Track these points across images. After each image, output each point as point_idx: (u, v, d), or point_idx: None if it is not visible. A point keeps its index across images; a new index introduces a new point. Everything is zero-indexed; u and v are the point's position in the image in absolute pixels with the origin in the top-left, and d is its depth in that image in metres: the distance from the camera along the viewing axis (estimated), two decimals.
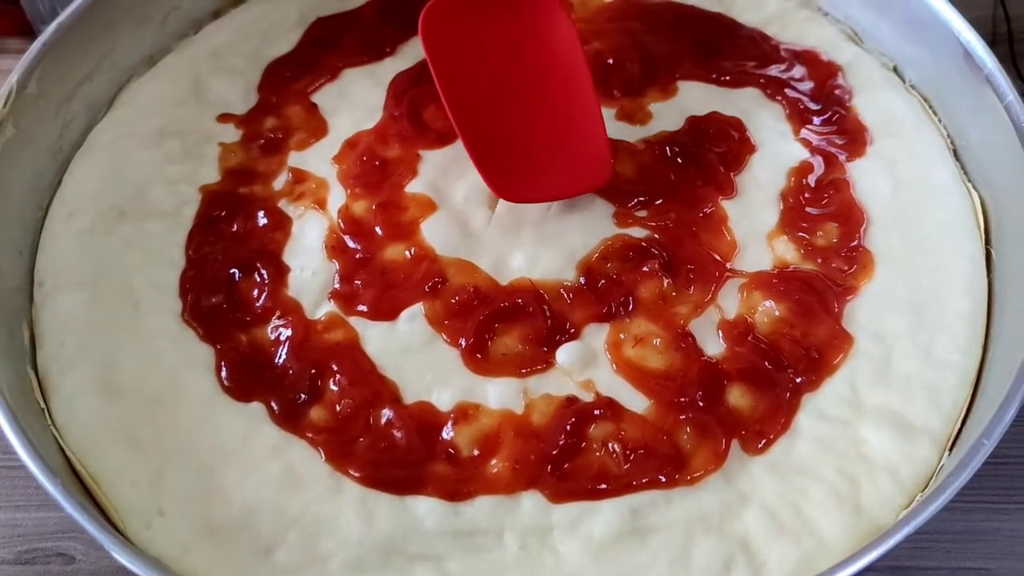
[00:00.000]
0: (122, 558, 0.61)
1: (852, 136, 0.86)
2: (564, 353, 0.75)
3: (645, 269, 0.78)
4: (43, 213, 0.83)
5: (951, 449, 0.70)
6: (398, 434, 0.71)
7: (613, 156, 0.81)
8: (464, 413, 0.72)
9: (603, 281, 0.78)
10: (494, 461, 0.70)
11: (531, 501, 0.69)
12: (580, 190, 0.80)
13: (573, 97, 0.82)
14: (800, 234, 0.81)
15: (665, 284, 0.78)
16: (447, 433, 0.71)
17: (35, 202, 0.83)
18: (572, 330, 0.76)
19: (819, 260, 0.80)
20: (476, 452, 0.70)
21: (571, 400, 0.73)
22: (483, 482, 0.69)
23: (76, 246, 0.80)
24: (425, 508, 0.69)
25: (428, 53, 0.80)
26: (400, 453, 0.71)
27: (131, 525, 0.67)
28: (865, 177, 0.84)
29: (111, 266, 0.80)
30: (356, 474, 0.70)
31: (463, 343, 0.75)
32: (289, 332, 0.76)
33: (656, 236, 0.80)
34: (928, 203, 0.82)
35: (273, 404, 0.73)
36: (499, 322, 0.76)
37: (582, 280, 0.78)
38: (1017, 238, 0.77)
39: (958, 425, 0.71)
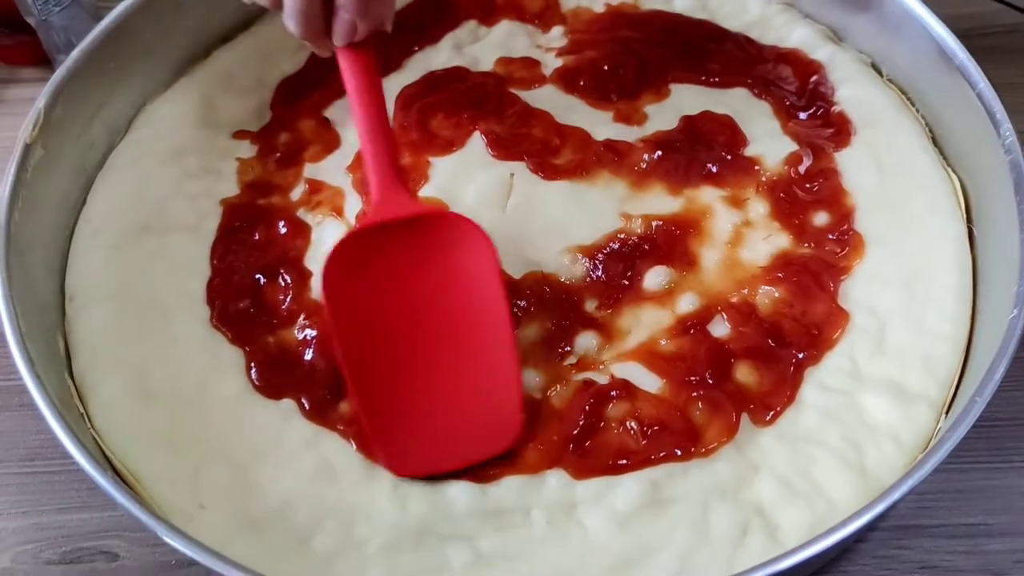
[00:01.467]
0: (174, 541, 0.63)
1: (837, 128, 0.91)
2: (581, 341, 0.78)
3: (648, 261, 0.82)
4: (70, 232, 0.87)
5: (947, 413, 0.74)
6: None
7: (524, 410, 0.73)
8: None
9: (611, 272, 0.82)
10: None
11: (556, 479, 0.72)
12: (481, 455, 0.72)
13: (488, 344, 0.73)
14: (793, 221, 0.85)
15: (670, 275, 0.81)
16: None
17: (62, 222, 0.86)
18: (586, 319, 0.80)
19: (812, 244, 0.84)
20: None
21: (588, 383, 0.76)
22: (509, 464, 0.73)
23: (103, 261, 0.83)
24: (456, 491, 0.72)
25: (329, 304, 0.72)
26: None
27: (173, 520, 0.70)
28: (852, 166, 0.88)
29: (139, 278, 0.83)
30: None
31: None
32: (315, 332, 0.79)
33: (655, 227, 0.84)
34: (912, 188, 0.86)
35: (303, 400, 0.76)
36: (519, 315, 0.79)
37: (591, 271, 0.82)
38: (995, 217, 0.81)
39: (953, 390, 0.75)
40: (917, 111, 0.92)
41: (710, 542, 0.69)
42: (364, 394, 0.72)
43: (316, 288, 0.82)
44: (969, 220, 0.84)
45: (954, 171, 0.87)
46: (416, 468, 0.71)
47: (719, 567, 0.68)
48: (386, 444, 0.71)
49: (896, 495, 0.64)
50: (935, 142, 0.90)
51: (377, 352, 0.72)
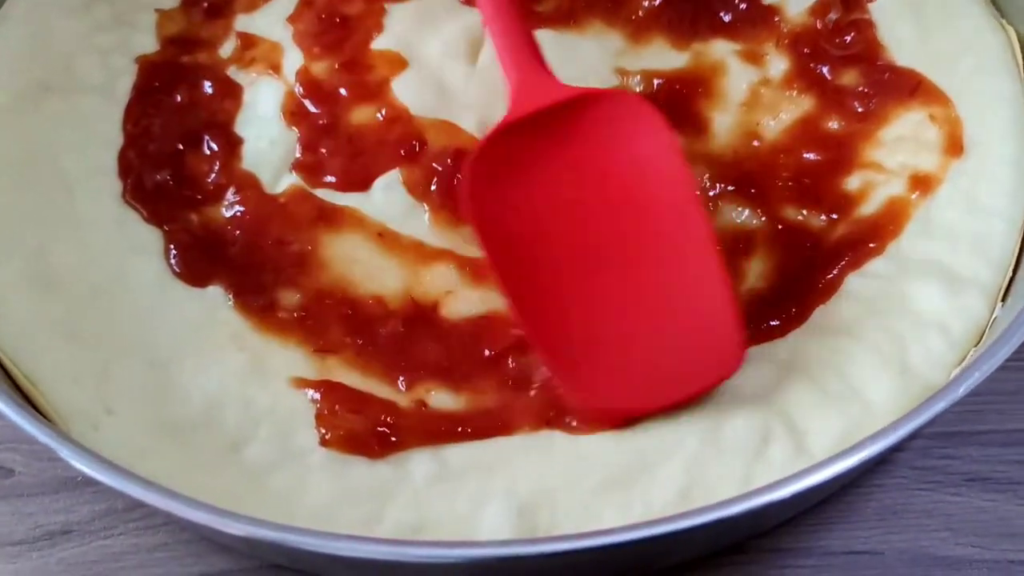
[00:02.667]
0: (73, 458, 0.52)
1: None
2: None
3: None
4: None
5: (1004, 300, 0.64)
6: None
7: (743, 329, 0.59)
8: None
9: None
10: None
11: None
12: (694, 389, 0.58)
13: (681, 251, 0.61)
14: (819, 81, 0.73)
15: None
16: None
17: None
18: None
19: (840, 108, 0.72)
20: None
21: None
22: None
23: None
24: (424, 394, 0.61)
25: (476, 224, 0.61)
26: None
27: (76, 427, 0.59)
28: (888, 17, 0.76)
29: (37, 147, 0.70)
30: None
31: None
32: (245, 208, 0.68)
33: (657, 85, 0.71)
34: (959, 42, 0.75)
35: (233, 287, 0.65)
36: None
37: None
38: None
39: (1009, 274, 0.65)
40: None
41: (724, 452, 0.58)
42: (538, 328, 0.58)
43: (248, 156, 0.70)
44: None
45: (1009, 22, 0.76)
46: (620, 411, 0.58)
47: (733, 482, 0.57)
48: (579, 388, 0.58)
49: (943, 402, 0.53)
50: None
51: (545, 274, 0.60)
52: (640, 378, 0.59)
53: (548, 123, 0.64)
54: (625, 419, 0.58)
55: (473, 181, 0.61)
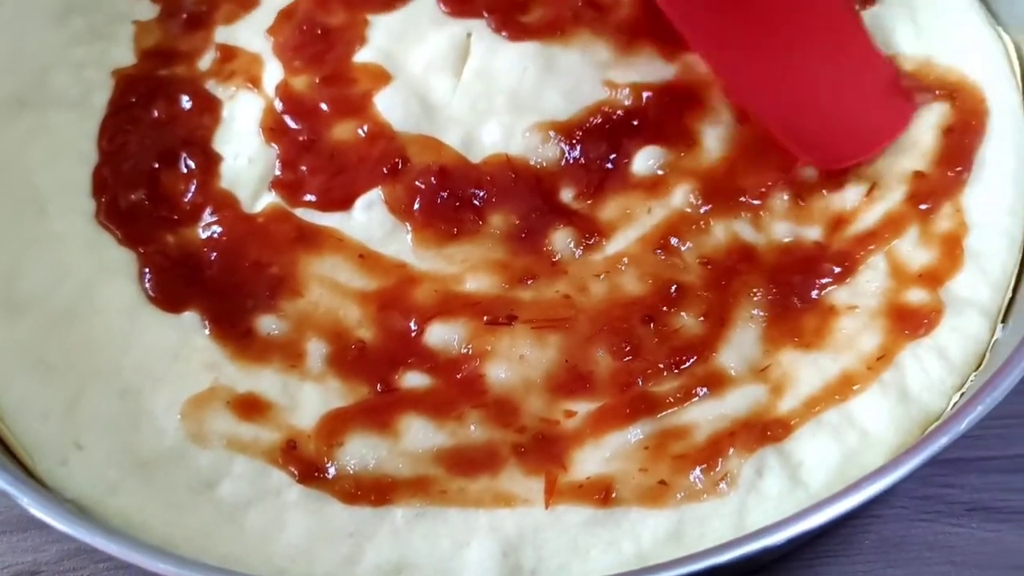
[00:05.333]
0: (33, 507, 0.50)
1: None
2: (557, 239, 0.65)
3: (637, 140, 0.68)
4: None
5: (1004, 322, 0.61)
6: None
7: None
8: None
9: (592, 153, 0.67)
10: (476, 363, 0.60)
11: (532, 409, 0.59)
12: (883, 141, 0.68)
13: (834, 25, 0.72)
14: None
15: (663, 156, 0.67)
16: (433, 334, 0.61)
17: None
18: (562, 211, 0.66)
19: None
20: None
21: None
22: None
23: None
24: (404, 426, 0.58)
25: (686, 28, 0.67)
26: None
27: (43, 462, 0.58)
28: (883, 25, 0.74)
29: (10, 164, 0.69)
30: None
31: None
32: (223, 229, 0.65)
33: (646, 98, 0.69)
34: (954, 52, 0.72)
35: (209, 313, 0.63)
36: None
37: (568, 152, 0.67)
38: None
39: (1008, 294, 0.63)
40: None
41: (715, 485, 0.55)
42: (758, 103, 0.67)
43: (226, 174, 0.68)
44: None
45: (1005, 30, 0.73)
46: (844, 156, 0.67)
47: (726, 516, 0.55)
48: (806, 150, 0.66)
49: (948, 436, 0.51)
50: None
51: (745, 50, 0.69)
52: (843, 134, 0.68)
53: None
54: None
55: None
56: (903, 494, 0.62)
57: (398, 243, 0.65)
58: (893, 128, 0.68)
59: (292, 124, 0.69)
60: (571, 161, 0.67)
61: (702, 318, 0.62)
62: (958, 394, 0.59)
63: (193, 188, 0.67)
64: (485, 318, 0.61)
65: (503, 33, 0.71)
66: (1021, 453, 0.64)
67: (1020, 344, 0.55)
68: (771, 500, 0.55)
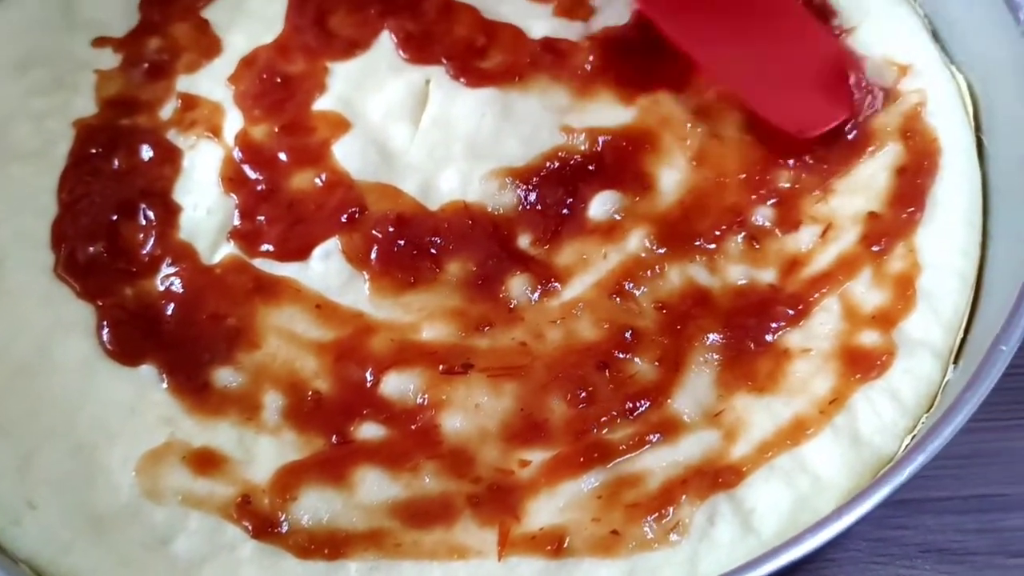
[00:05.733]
0: None
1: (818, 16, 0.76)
2: (514, 285, 0.65)
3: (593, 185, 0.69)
4: None
5: (955, 362, 0.62)
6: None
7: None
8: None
9: (549, 199, 0.68)
10: (432, 413, 0.60)
11: (488, 460, 0.60)
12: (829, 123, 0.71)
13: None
14: (772, 132, 0.71)
15: (619, 201, 0.68)
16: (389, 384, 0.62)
17: None
18: (519, 257, 0.67)
19: (794, 159, 0.70)
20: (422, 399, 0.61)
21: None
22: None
23: None
24: (359, 478, 0.59)
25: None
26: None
27: None
28: None
29: None
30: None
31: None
32: (181, 281, 0.66)
33: (602, 144, 0.70)
34: (907, 90, 0.73)
35: (166, 366, 0.63)
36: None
37: (524, 198, 0.68)
38: (1012, 122, 0.69)
39: (960, 335, 0.63)
40: (915, 0, 0.77)
41: (667, 533, 0.56)
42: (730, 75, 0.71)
43: (185, 225, 0.68)
44: (978, 128, 0.71)
45: (959, 70, 0.74)
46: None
47: (678, 564, 0.55)
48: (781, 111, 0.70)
49: (903, 475, 0.51)
50: (936, 36, 0.76)
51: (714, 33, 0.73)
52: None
53: None
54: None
55: None
56: (857, 536, 0.63)
57: (355, 292, 0.65)
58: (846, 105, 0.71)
59: (251, 174, 0.69)
60: (528, 207, 0.68)
61: (657, 363, 0.62)
62: (910, 436, 0.59)
63: (152, 240, 0.68)
64: (441, 367, 0.62)
65: (461, 79, 0.72)
66: (975, 494, 0.65)
67: (967, 386, 0.55)
68: (723, 548, 0.55)
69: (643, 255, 0.66)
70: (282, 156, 0.70)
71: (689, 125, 0.71)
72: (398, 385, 0.61)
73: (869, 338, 0.62)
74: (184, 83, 0.75)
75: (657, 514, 0.56)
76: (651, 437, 0.59)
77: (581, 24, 0.76)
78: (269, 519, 0.57)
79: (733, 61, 0.73)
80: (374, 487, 0.58)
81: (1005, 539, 0.63)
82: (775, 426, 0.59)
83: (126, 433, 0.60)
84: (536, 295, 0.65)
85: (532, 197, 0.68)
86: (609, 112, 0.72)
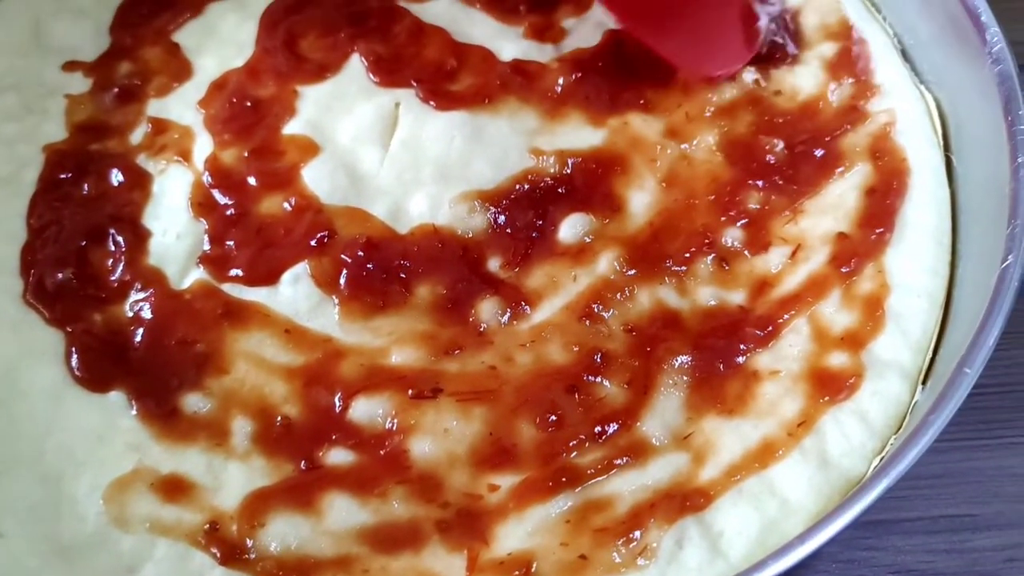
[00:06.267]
0: None
1: (790, 36, 0.77)
2: (485, 308, 0.65)
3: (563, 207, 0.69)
4: None
5: (924, 383, 0.62)
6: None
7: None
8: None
9: (518, 222, 0.68)
10: (401, 438, 0.60)
11: (456, 485, 0.59)
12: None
13: None
14: (740, 152, 0.72)
15: (589, 223, 0.69)
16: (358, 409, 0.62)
17: None
18: (489, 280, 0.67)
19: (764, 180, 0.71)
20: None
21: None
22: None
23: None
24: (327, 504, 0.58)
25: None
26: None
27: None
28: (803, 84, 0.75)
29: None
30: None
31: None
32: (150, 305, 0.65)
33: (572, 166, 0.70)
34: (876, 109, 0.73)
35: (136, 392, 0.63)
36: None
37: (494, 221, 0.68)
38: (980, 142, 0.69)
39: (928, 355, 0.63)
40: (884, 19, 0.78)
41: (634, 558, 0.55)
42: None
43: (155, 251, 0.68)
44: (947, 148, 0.72)
45: (928, 89, 0.74)
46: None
47: None
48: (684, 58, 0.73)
49: (867, 499, 0.51)
50: (905, 55, 0.76)
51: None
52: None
53: None
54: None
55: None
56: (827, 558, 0.63)
57: (325, 317, 0.65)
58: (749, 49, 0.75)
59: (221, 198, 0.69)
60: (498, 230, 0.68)
61: (626, 386, 0.62)
62: (878, 458, 0.59)
63: (121, 265, 0.67)
64: (410, 391, 0.62)
65: (431, 102, 0.72)
66: (945, 514, 0.65)
67: (932, 408, 0.55)
68: (691, 572, 0.55)
69: (613, 277, 0.66)
70: (251, 180, 0.70)
71: (659, 147, 0.72)
72: (367, 410, 0.61)
73: (838, 359, 0.62)
74: (154, 107, 0.75)
75: (625, 538, 0.56)
76: (619, 460, 0.59)
77: (551, 46, 0.77)
78: (237, 545, 0.57)
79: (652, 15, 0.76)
80: (342, 513, 0.58)
81: (974, 559, 0.64)
82: (744, 449, 0.59)
83: (94, 461, 0.60)
84: (506, 318, 0.65)
85: (502, 220, 0.68)
86: (579, 134, 0.72)
